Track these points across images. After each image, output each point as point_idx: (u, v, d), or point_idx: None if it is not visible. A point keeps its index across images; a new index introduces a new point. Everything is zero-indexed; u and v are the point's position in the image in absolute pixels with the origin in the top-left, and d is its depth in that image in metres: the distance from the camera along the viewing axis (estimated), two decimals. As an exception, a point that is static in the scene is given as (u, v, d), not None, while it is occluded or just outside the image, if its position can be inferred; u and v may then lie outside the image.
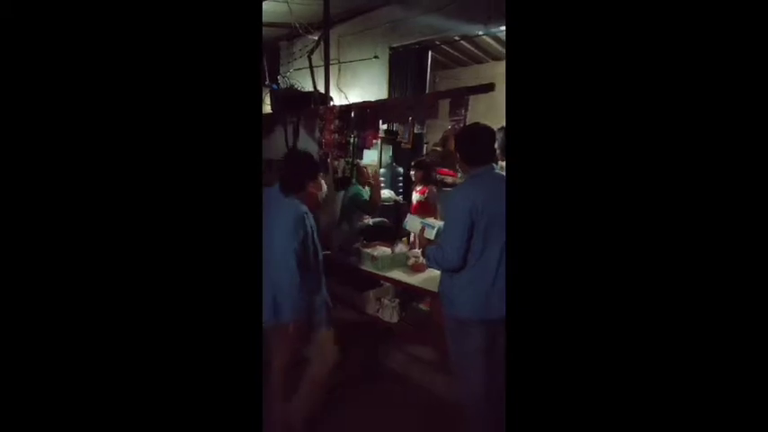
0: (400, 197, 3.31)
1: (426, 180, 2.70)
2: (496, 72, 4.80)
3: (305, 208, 1.49)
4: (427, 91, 3.46)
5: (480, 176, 1.40)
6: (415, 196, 2.75)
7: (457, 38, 3.93)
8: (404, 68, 3.55)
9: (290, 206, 1.46)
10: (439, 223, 1.74)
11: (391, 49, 3.61)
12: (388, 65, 3.64)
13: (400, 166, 3.54)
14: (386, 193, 3.21)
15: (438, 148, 4.08)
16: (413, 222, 1.79)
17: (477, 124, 1.51)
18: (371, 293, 2.54)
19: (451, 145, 4.27)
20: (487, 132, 1.44)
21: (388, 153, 3.54)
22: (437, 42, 3.89)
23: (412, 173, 2.74)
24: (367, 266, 2.39)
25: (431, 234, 1.68)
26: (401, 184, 3.50)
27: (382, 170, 3.46)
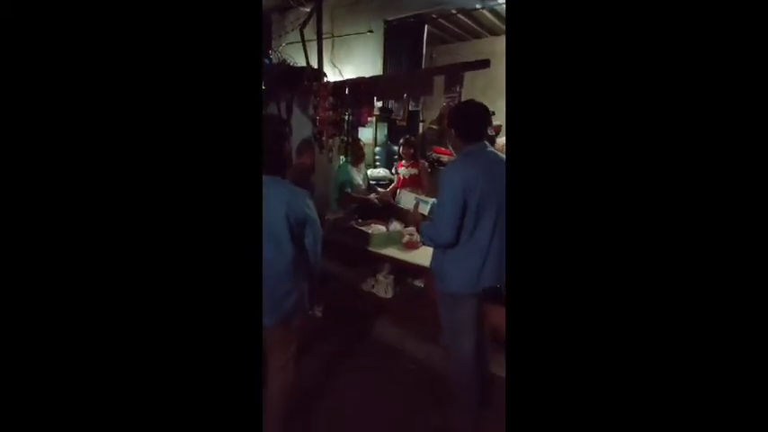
0: (395, 176, 3.30)
1: (415, 157, 2.70)
2: (495, 48, 4.69)
3: (299, 190, 1.32)
4: (423, 67, 3.40)
5: (473, 153, 1.41)
6: (403, 171, 2.75)
7: (454, 11, 3.83)
8: (399, 43, 3.46)
9: (276, 190, 1.26)
10: (432, 199, 1.75)
11: (386, 22, 3.51)
12: (382, 39, 3.54)
13: (395, 144, 3.51)
14: (381, 172, 3.21)
15: (434, 126, 4.04)
16: (406, 198, 1.80)
17: (471, 101, 1.50)
18: (366, 271, 2.58)
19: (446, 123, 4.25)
20: (481, 109, 1.44)
21: (383, 131, 3.50)
22: (434, 16, 3.78)
23: (401, 149, 2.73)
24: (362, 244, 2.42)
25: (425, 209, 1.69)
26: (396, 163, 3.49)
27: (377, 148, 3.43)
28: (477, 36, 4.79)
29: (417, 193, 1.83)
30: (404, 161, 2.77)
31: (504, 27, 4.51)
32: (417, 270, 2.51)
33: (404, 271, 2.53)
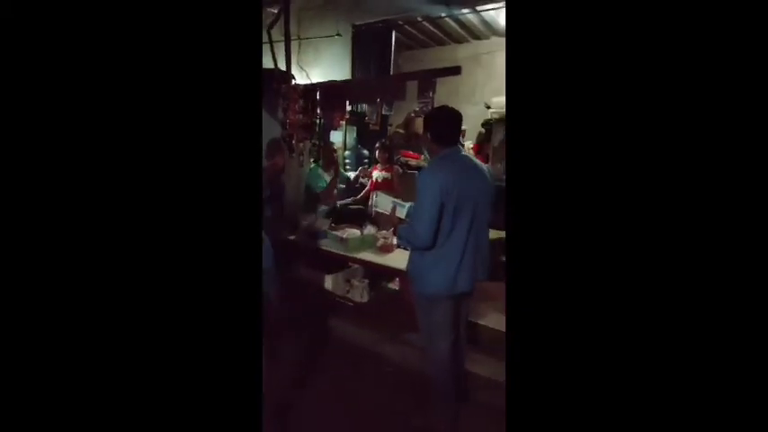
0: (366, 179, 3.31)
1: (390, 161, 2.72)
2: (458, 56, 4.86)
3: None
4: (391, 72, 3.44)
5: (448, 157, 1.45)
6: (377, 174, 2.76)
7: (420, 18, 3.92)
8: (367, 48, 3.48)
9: None
10: (409, 203, 1.77)
11: (354, 26, 3.51)
12: (350, 43, 3.54)
13: (365, 148, 3.52)
14: (352, 176, 3.20)
15: (401, 131, 4.10)
16: (383, 201, 1.80)
17: (445, 106, 1.54)
18: (340, 275, 2.55)
19: (414, 127, 4.33)
20: (455, 114, 1.49)
21: (352, 135, 3.49)
22: (400, 22, 3.85)
23: (377, 153, 2.75)
24: (336, 248, 2.39)
25: (402, 212, 1.70)
26: (367, 167, 3.49)
27: (347, 152, 3.42)
28: (441, 43, 4.93)
29: (394, 197, 1.84)
30: (378, 165, 2.78)
31: (466, 35, 4.69)
32: (391, 273, 2.54)
33: (377, 274, 2.54)
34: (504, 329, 2.13)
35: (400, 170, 2.61)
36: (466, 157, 1.52)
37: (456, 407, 1.66)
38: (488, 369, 1.98)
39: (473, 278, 1.49)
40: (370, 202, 2.89)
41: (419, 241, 1.41)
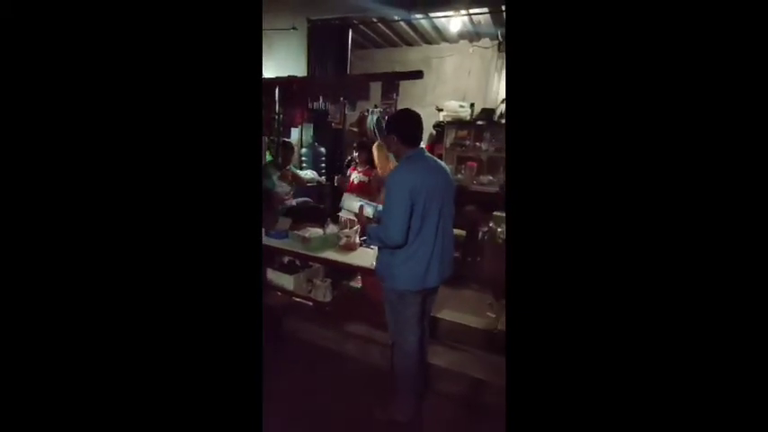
0: (323, 178, 3.27)
1: (369, 162, 2.72)
2: (409, 58, 4.98)
3: None
4: (348, 70, 3.43)
5: (414, 158, 1.51)
6: (355, 176, 2.75)
7: (374, 19, 3.95)
8: (324, 44, 3.43)
9: None
10: (375, 204, 1.81)
11: (310, 21, 3.44)
12: (306, 38, 3.47)
13: (322, 146, 3.47)
14: (309, 174, 3.14)
15: (354, 129, 4.11)
16: (350, 202, 1.82)
17: (408, 109, 1.62)
18: (302, 275, 2.51)
19: (367, 126, 4.37)
20: (418, 116, 1.56)
21: (308, 132, 3.43)
22: (355, 21, 3.85)
23: (354, 154, 2.72)
24: (298, 248, 2.34)
25: (369, 212, 1.74)
26: (323, 165, 3.45)
27: (304, 150, 3.35)
28: (393, 45, 5.02)
29: (361, 197, 1.87)
30: (357, 167, 2.76)
31: (418, 39, 4.83)
32: (354, 271, 2.55)
33: (339, 273, 2.53)
34: (458, 321, 2.27)
35: (380, 174, 2.62)
36: (430, 157, 1.59)
37: (418, 398, 1.73)
38: (446, 360, 2.09)
39: (441, 274, 1.57)
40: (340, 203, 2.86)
41: (391, 240, 1.45)
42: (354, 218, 1.84)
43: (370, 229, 1.61)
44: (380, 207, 1.78)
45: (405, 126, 1.53)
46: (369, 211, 1.76)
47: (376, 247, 2.09)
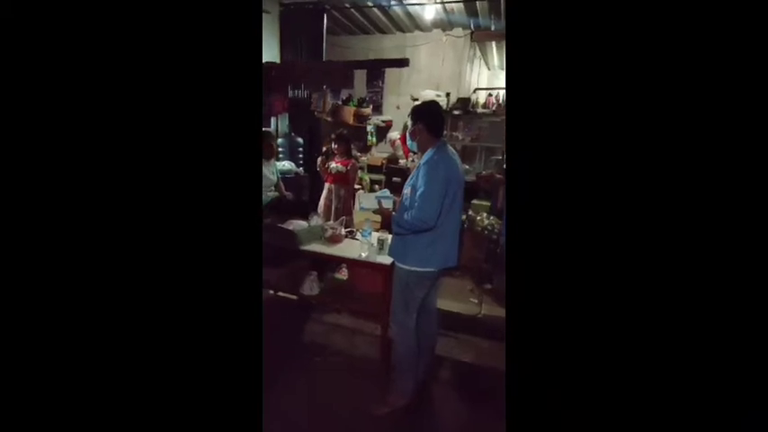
0: (301, 169, 3.19)
1: (348, 153, 2.67)
2: (383, 46, 4.92)
3: None
4: (324, 57, 3.33)
5: (442, 147, 1.59)
6: (335, 167, 2.70)
7: (348, 5, 3.85)
8: (297, 29, 3.30)
9: None
10: (392, 196, 1.86)
11: (282, 5, 3.30)
12: (278, 22, 3.32)
13: (299, 135, 3.37)
14: (287, 165, 3.05)
15: (329, 119, 4.03)
16: (368, 200, 1.86)
17: (434, 101, 1.69)
18: (287, 269, 2.44)
19: (342, 116, 4.30)
20: (441, 109, 1.68)
21: (284, 122, 3.31)
22: (327, 6, 3.73)
23: (333, 145, 2.67)
24: (283, 241, 2.28)
25: (389, 204, 1.79)
26: (301, 155, 3.35)
27: (280, 140, 3.23)
28: (366, 32, 4.93)
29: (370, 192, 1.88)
30: (336, 157, 2.71)
31: (391, 27, 4.77)
32: (337, 263, 2.52)
33: (322, 264, 2.50)
34: (442, 308, 2.32)
35: (357, 164, 2.58)
36: (450, 146, 1.69)
37: (417, 383, 1.77)
38: (445, 349, 2.13)
39: (458, 255, 1.67)
40: (323, 195, 2.80)
41: (425, 223, 1.52)
42: (375, 214, 1.86)
43: (397, 218, 1.65)
44: (395, 198, 1.84)
45: (431, 117, 1.61)
46: (387, 203, 1.81)
47: (363, 238, 2.08)
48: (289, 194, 2.71)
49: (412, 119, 1.66)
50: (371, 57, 4.07)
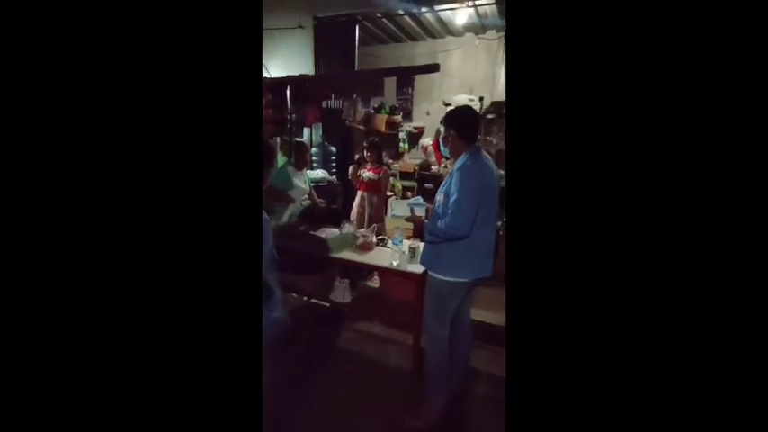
0: (334, 177, 3.24)
1: (379, 161, 2.69)
2: (415, 53, 4.93)
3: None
4: (356, 67, 3.39)
5: (476, 154, 1.55)
6: (367, 174, 2.72)
7: (378, 15, 3.91)
8: (330, 41, 3.39)
9: None
10: (424, 203, 1.84)
11: (316, 18, 3.40)
12: (312, 36, 3.42)
13: (332, 145, 3.43)
14: (319, 174, 3.11)
15: (361, 127, 4.08)
16: (401, 207, 1.85)
17: (467, 106, 1.64)
18: (320, 277, 2.48)
19: (375, 124, 4.33)
20: (476, 114, 1.62)
21: (318, 131, 3.39)
22: (359, 17, 3.80)
23: (364, 153, 2.70)
24: (315, 249, 2.31)
25: (421, 212, 1.77)
26: (334, 164, 3.41)
27: (314, 149, 3.31)
28: (398, 40, 4.97)
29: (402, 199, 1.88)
30: (368, 164, 2.75)
31: (423, 34, 4.77)
32: (368, 271, 2.52)
33: (355, 272, 2.51)
34: (478, 319, 2.23)
35: (389, 171, 2.59)
36: (485, 153, 1.63)
37: (449, 400, 1.71)
38: (480, 361, 2.05)
39: (493, 266, 1.60)
40: (356, 203, 2.84)
41: (458, 231, 1.47)
42: (407, 222, 1.85)
43: (429, 226, 1.61)
44: (427, 205, 1.82)
45: (463, 122, 1.57)
46: (420, 210, 1.79)
47: (394, 246, 2.07)
48: (321, 202, 2.76)
49: (444, 125, 1.63)
50: (404, 65, 4.08)
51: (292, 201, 2.58)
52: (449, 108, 4.09)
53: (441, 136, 1.69)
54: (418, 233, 1.94)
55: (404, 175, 4.44)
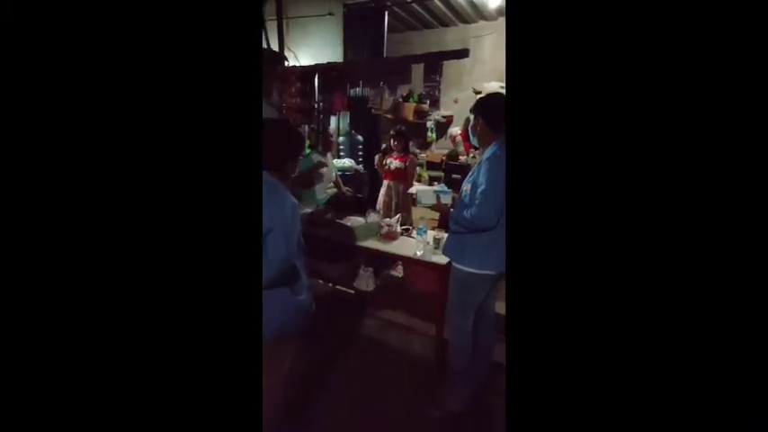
0: (360, 166, 3.24)
1: (406, 149, 2.67)
2: (446, 39, 4.80)
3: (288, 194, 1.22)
4: (385, 54, 3.34)
5: (504, 143, 1.48)
6: (394, 163, 2.71)
7: (408, 0, 3.82)
8: (360, 29, 3.36)
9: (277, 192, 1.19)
10: (450, 191, 1.79)
11: (345, 6, 3.37)
12: (341, 23, 3.40)
13: (359, 133, 3.43)
14: (347, 162, 3.12)
15: (390, 116, 4.04)
16: (426, 194, 1.81)
17: (498, 93, 1.55)
18: (345, 265, 2.51)
19: (403, 113, 4.28)
20: (504, 102, 1.51)
21: (345, 120, 3.39)
22: (388, 3, 3.74)
23: (391, 141, 2.69)
24: (340, 237, 2.34)
25: (447, 199, 1.73)
26: (360, 153, 3.42)
27: (341, 138, 3.33)
28: (428, 26, 4.85)
29: (432, 188, 1.84)
30: (394, 153, 2.74)
31: (454, 19, 4.63)
32: (393, 260, 2.52)
33: (380, 261, 2.52)
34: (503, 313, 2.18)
35: (417, 160, 2.57)
36: None
37: (471, 392, 1.70)
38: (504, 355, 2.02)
39: None
40: (382, 192, 2.84)
41: (485, 222, 1.44)
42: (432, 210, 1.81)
43: (455, 215, 1.58)
44: (454, 194, 1.77)
45: (492, 110, 1.51)
46: (446, 198, 1.75)
47: (419, 236, 2.05)
48: (348, 191, 2.77)
49: (473, 113, 1.58)
50: (435, 51, 3.99)
51: (316, 181, 2.59)
52: (479, 96, 3.99)
53: (469, 125, 1.63)
54: (444, 224, 1.90)
55: (431, 166, 4.38)
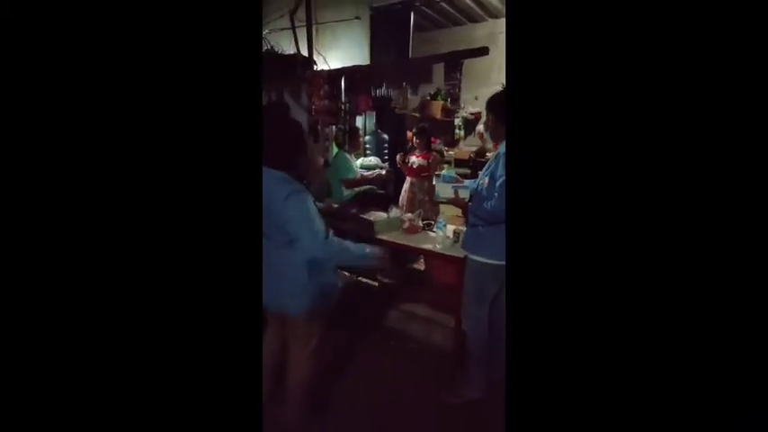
0: (386, 164, 3.33)
1: (428, 147, 2.74)
2: (475, 35, 4.77)
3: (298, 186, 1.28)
4: (410, 54, 3.41)
5: None
6: (416, 161, 2.79)
7: (436, -1, 3.86)
8: (386, 30, 3.45)
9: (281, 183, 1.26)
10: (467, 185, 1.83)
11: (372, 9, 3.48)
12: (369, 26, 3.51)
13: (385, 132, 3.53)
14: (372, 161, 3.22)
15: (416, 115, 4.09)
16: (443, 189, 1.88)
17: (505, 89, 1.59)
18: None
19: (430, 111, 4.31)
20: None
21: (371, 119, 3.50)
22: (416, 3, 3.79)
23: (414, 139, 2.77)
24: (363, 231, 2.45)
25: (465, 194, 1.77)
26: (386, 151, 3.51)
27: (367, 137, 3.44)
28: (457, 23, 4.84)
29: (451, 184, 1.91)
30: (416, 150, 2.82)
31: (483, 14, 4.59)
32: (415, 254, 2.59)
33: (402, 255, 2.60)
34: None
35: (439, 157, 2.63)
36: None
37: (489, 383, 1.73)
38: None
39: None
40: (405, 188, 2.93)
41: (504, 215, 1.45)
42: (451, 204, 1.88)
43: (474, 208, 1.63)
44: (471, 187, 1.81)
45: (500, 106, 1.54)
46: (464, 193, 1.79)
47: (438, 230, 2.11)
48: (372, 188, 2.88)
49: (486, 109, 1.62)
50: (461, 48, 3.99)
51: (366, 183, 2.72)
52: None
53: (487, 122, 1.67)
54: (465, 216, 1.94)
55: (459, 163, 4.38)
